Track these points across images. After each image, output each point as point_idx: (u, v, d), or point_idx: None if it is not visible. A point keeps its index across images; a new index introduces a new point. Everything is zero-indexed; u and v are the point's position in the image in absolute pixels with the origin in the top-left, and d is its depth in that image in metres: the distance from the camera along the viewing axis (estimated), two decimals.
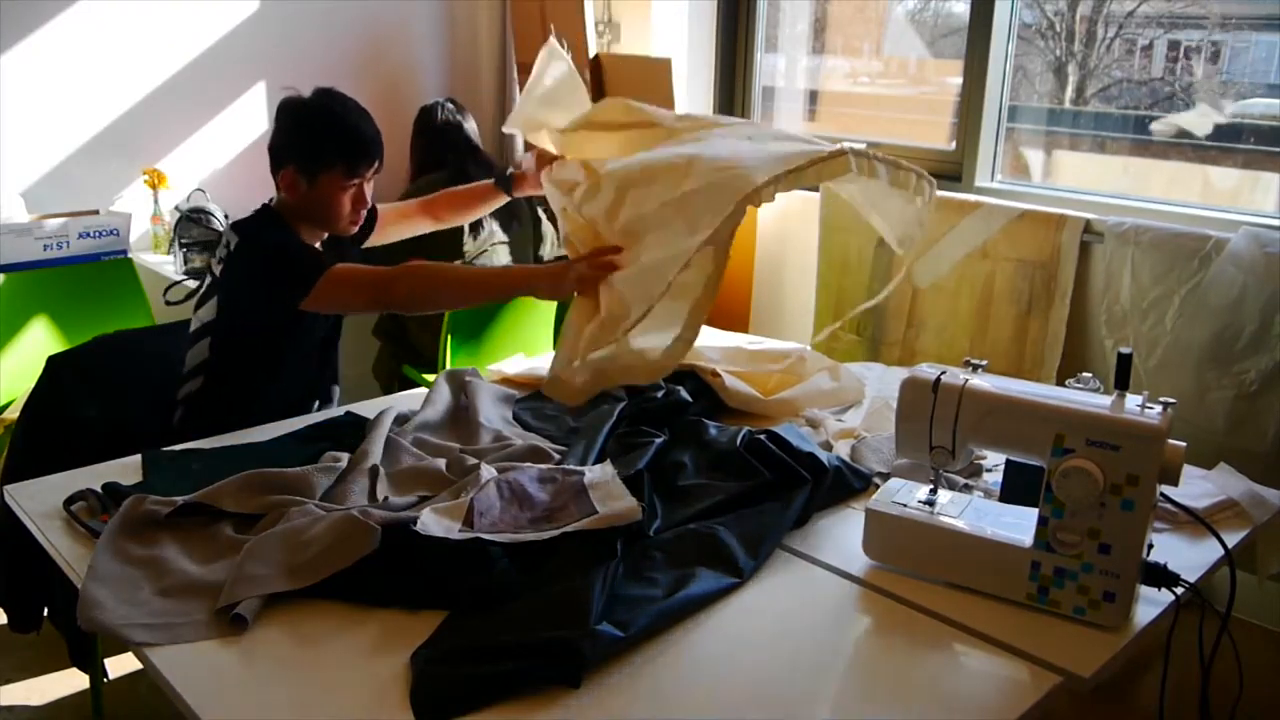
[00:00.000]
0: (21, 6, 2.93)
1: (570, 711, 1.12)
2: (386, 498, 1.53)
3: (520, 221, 3.06)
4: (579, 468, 1.62)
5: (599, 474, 1.55)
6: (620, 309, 1.49)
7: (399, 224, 2.17)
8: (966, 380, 1.37)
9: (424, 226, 2.19)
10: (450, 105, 3.03)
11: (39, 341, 2.62)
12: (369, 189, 1.93)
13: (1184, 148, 2.93)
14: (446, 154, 2.97)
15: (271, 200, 1.95)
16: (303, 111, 1.88)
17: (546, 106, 1.83)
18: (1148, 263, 2.67)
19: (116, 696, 2.27)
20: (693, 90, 3.79)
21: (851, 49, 3.83)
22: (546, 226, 3.20)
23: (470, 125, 3.04)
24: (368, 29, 3.64)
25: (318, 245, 1.97)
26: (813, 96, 3.88)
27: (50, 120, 3.03)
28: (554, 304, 3.03)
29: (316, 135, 1.87)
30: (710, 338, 2.53)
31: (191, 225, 2.97)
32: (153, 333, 2.39)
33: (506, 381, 2.04)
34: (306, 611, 1.30)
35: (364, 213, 1.93)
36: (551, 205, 1.80)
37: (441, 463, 1.65)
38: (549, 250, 3.19)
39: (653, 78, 3.41)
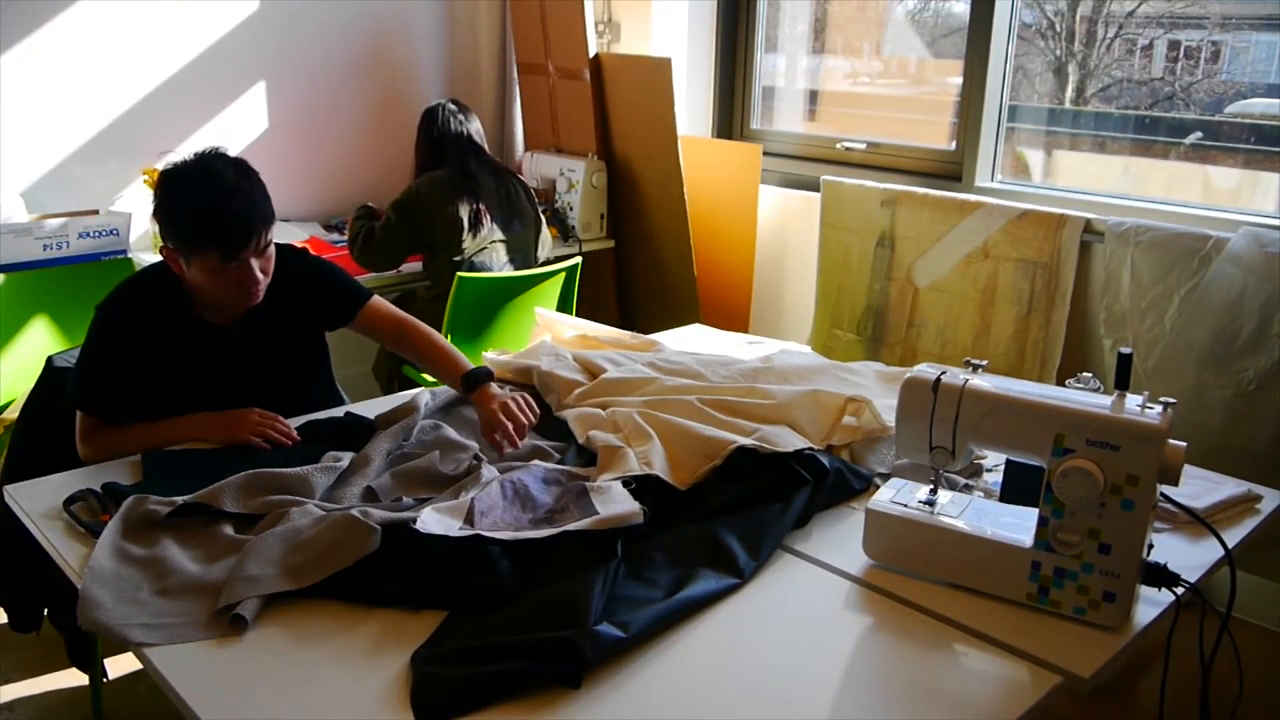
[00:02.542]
0: (21, 6, 2.93)
1: (570, 711, 1.12)
2: (399, 498, 1.53)
3: (522, 222, 3.06)
4: (582, 469, 1.62)
5: (602, 477, 1.55)
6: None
7: (374, 328, 2.01)
8: (966, 380, 1.37)
9: (388, 344, 2.05)
10: (453, 105, 3.04)
11: (39, 341, 2.61)
12: (260, 262, 1.75)
13: (1184, 148, 2.93)
14: (448, 151, 2.98)
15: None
16: (170, 190, 1.73)
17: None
18: (1148, 262, 2.67)
19: (116, 696, 2.27)
20: (692, 90, 3.79)
21: (851, 49, 3.83)
22: (546, 232, 3.19)
23: (474, 125, 3.05)
24: (368, 29, 3.64)
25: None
26: (813, 96, 3.88)
27: (50, 120, 3.03)
28: (556, 299, 3.04)
29: (183, 219, 1.71)
30: (713, 339, 2.53)
31: None
32: None
33: (503, 380, 2.03)
34: (306, 611, 1.30)
35: (260, 287, 1.77)
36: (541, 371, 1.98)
37: (436, 454, 1.65)
38: (544, 253, 3.19)
39: (653, 78, 3.41)
